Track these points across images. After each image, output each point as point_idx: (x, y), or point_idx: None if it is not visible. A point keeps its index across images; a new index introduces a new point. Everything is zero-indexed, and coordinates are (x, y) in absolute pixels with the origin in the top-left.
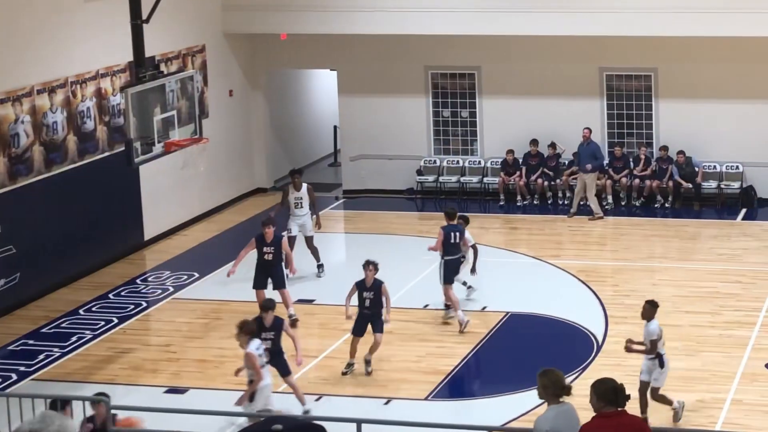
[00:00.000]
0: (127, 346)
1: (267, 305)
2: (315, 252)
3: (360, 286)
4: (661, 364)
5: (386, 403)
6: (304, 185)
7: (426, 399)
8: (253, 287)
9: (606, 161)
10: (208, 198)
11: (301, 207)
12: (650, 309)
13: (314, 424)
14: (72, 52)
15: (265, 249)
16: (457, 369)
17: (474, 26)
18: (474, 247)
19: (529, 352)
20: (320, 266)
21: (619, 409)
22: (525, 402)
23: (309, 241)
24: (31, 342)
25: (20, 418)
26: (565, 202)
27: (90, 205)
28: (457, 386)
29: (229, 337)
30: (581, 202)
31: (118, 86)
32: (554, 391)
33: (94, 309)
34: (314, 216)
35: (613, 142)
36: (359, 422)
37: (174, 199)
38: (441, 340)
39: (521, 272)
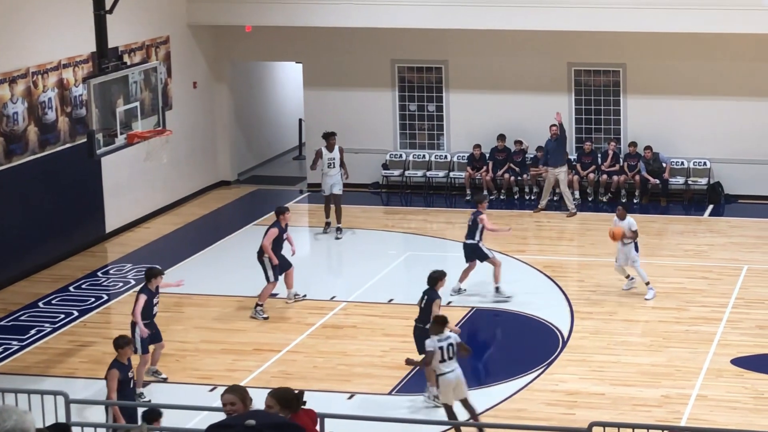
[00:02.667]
0: (87, 340)
1: (156, 272)
2: (339, 212)
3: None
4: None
5: (350, 398)
6: (337, 146)
7: (390, 394)
8: (275, 279)
9: (574, 156)
10: (171, 190)
11: (334, 167)
12: (436, 326)
13: (291, 423)
14: (34, 42)
15: (285, 236)
16: None
17: (441, 20)
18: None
19: (495, 347)
20: (339, 229)
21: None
22: (490, 397)
23: (337, 198)
24: None
25: None
26: (532, 198)
27: (51, 196)
28: (421, 381)
29: (194, 328)
30: (552, 197)
31: (81, 77)
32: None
33: (54, 302)
34: (344, 174)
35: (580, 138)
36: (322, 417)
37: (136, 191)
38: (406, 334)
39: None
